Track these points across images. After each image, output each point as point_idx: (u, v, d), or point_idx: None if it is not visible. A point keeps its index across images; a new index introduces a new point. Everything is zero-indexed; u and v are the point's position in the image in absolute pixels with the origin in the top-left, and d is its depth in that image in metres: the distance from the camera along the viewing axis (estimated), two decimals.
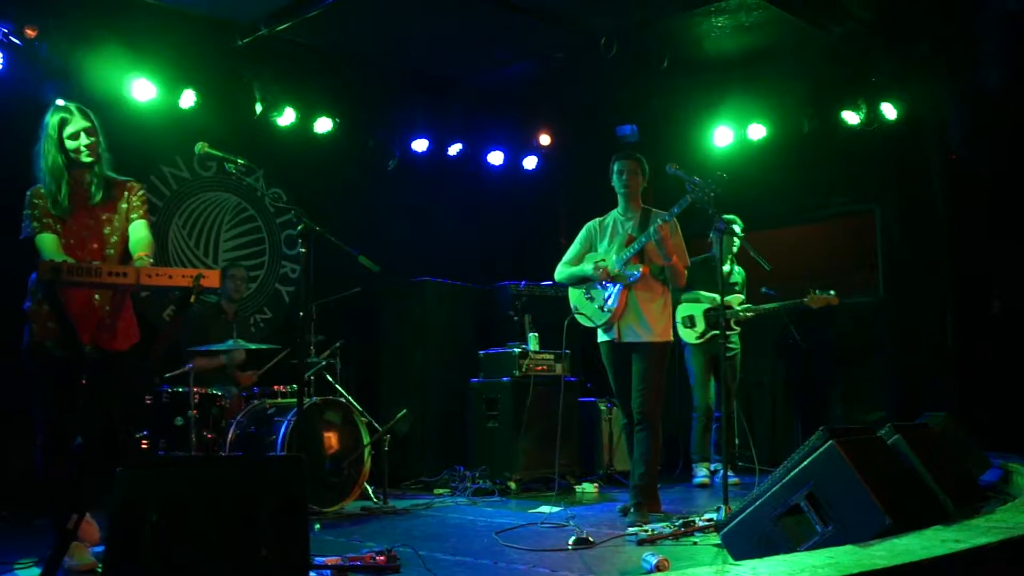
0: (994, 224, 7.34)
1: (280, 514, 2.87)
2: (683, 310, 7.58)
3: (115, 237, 4.42)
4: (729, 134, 8.77)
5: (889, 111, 7.85)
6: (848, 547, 3.05)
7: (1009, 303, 7.28)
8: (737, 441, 7.55)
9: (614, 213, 6.05)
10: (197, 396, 6.25)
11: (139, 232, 4.44)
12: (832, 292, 7.25)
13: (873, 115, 7.93)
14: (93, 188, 4.38)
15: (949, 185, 7.70)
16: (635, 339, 5.75)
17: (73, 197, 4.34)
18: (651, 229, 5.64)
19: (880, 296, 8.21)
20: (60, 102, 4.41)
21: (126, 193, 4.51)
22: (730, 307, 7.44)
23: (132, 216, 4.47)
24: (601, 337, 5.95)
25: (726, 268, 7.52)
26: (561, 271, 6.11)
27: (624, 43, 7.65)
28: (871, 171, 8.22)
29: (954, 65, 7.59)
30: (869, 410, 7.98)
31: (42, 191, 4.35)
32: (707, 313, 7.48)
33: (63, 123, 4.32)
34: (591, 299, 5.95)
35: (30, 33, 6.48)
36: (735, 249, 7.53)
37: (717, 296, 7.26)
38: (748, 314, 7.46)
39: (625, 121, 9.16)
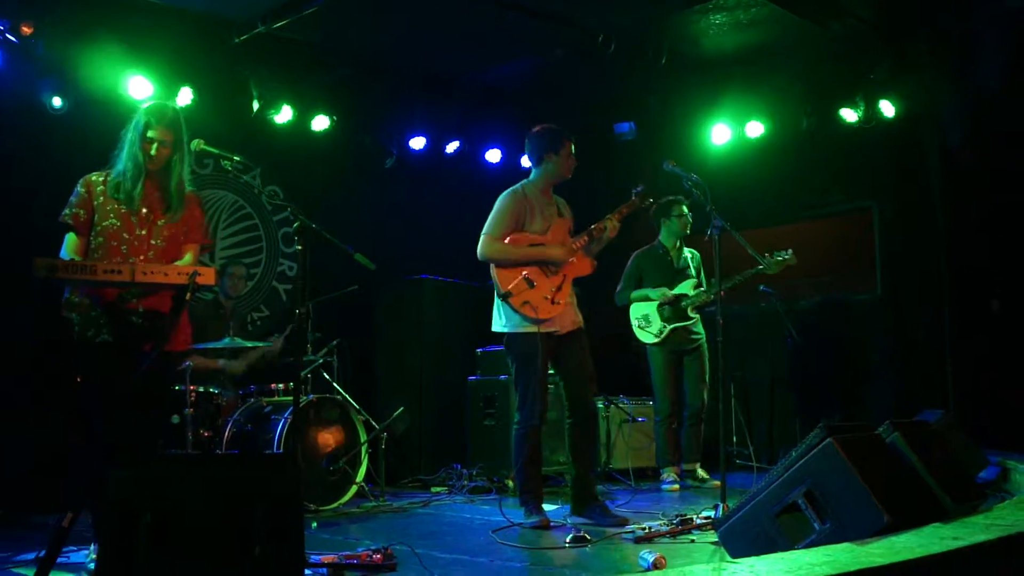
0: (993, 222, 7.33)
1: (275, 512, 2.86)
2: (636, 310, 7.36)
3: (167, 231, 4.44)
4: (727, 132, 8.76)
5: (888, 109, 7.85)
6: (846, 545, 3.04)
7: (1008, 301, 7.27)
8: (735, 439, 7.50)
9: (530, 190, 5.62)
10: (194, 394, 6.25)
11: (185, 260, 4.47)
12: (788, 253, 6.87)
13: (871, 113, 7.92)
14: (174, 202, 4.44)
15: (948, 183, 7.69)
16: (570, 328, 5.53)
17: (145, 194, 4.39)
18: (608, 225, 5.55)
19: (878, 294, 8.21)
20: (156, 105, 4.49)
21: (189, 209, 4.56)
22: (684, 296, 7.24)
23: (192, 236, 4.52)
24: (532, 328, 5.38)
25: (676, 254, 7.43)
26: (500, 248, 5.47)
27: (622, 40, 7.64)
28: (869, 169, 8.22)
29: (953, 62, 7.58)
30: (867, 407, 7.97)
31: (93, 178, 4.40)
32: (660, 309, 7.29)
33: (148, 127, 4.38)
34: (534, 287, 5.44)
35: (26, 30, 6.46)
36: (686, 231, 7.37)
37: (666, 290, 7.23)
38: (705, 299, 7.15)
39: (623, 119, 9.15)
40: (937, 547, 2.92)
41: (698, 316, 7.31)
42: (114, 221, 4.34)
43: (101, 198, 4.36)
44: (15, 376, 6.38)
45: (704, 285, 7.35)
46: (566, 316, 5.53)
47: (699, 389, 7.25)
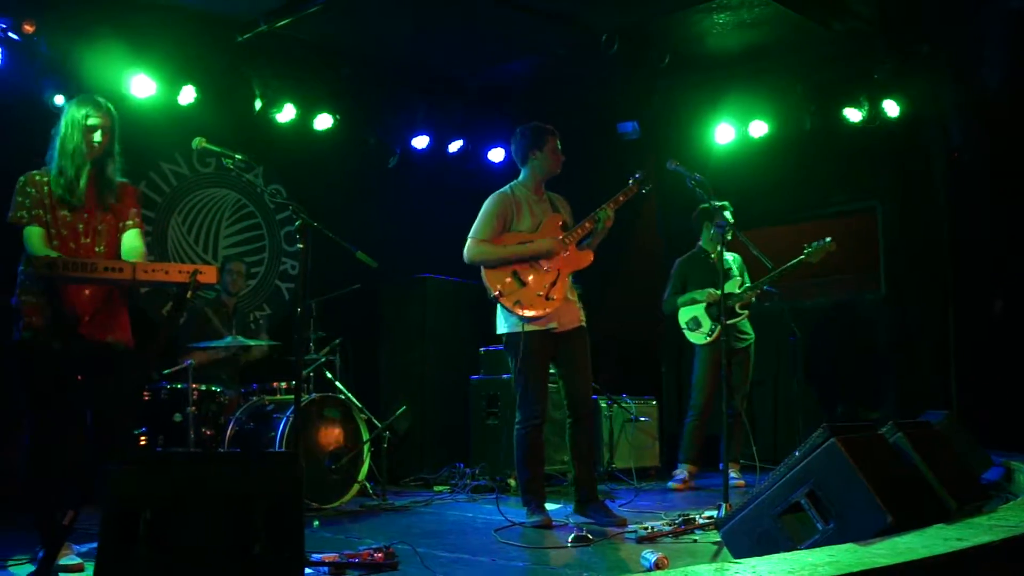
0: (996, 222, 7.31)
1: (275, 511, 2.85)
2: (684, 314, 7.35)
3: (108, 235, 4.40)
4: (731, 131, 8.75)
5: (891, 108, 7.83)
6: (849, 545, 3.03)
7: (1011, 301, 7.25)
8: None
9: (520, 189, 5.62)
10: (196, 393, 6.25)
11: (132, 241, 4.43)
12: (828, 239, 6.93)
13: (875, 113, 7.90)
14: (104, 187, 4.39)
15: (951, 183, 7.67)
16: (571, 326, 5.47)
17: (88, 189, 4.35)
18: (601, 216, 5.45)
19: (882, 294, 8.20)
20: (87, 96, 4.43)
21: (125, 195, 4.50)
22: (730, 294, 7.18)
23: (127, 223, 4.46)
24: (529, 327, 5.34)
25: (714, 256, 7.39)
26: (487, 249, 5.43)
27: (625, 40, 7.62)
28: (873, 169, 8.20)
29: (956, 63, 7.57)
30: (871, 408, 7.95)
31: (38, 178, 4.32)
32: (709, 309, 7.28)
33: (88, 116, 4.34)
34: (525, 285, 5.39)
35: (28, 29, 6.47)
36: (729, 237, 7.32)
37: (712, 290, 7.19)
38: (752, 294, 7.15)
39: (626, 118, 9.13)
40: (941, 548, 2.91)
41: (746, 312, 7.29)
42: (62, 230, 4.28)
43: (48, 200, 4.29)
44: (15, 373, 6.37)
45: (747, 283, 7.32)
46: (566, 313, 5.46)
47: (742, 391, 7.23)
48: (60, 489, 4.11)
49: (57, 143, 4.33)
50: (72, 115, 4.34)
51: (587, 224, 5.55)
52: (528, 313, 5.35)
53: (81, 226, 4.33)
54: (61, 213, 4.30)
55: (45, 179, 4.34)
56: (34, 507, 4.19)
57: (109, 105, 4.45)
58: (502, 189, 5.63)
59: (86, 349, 4.23)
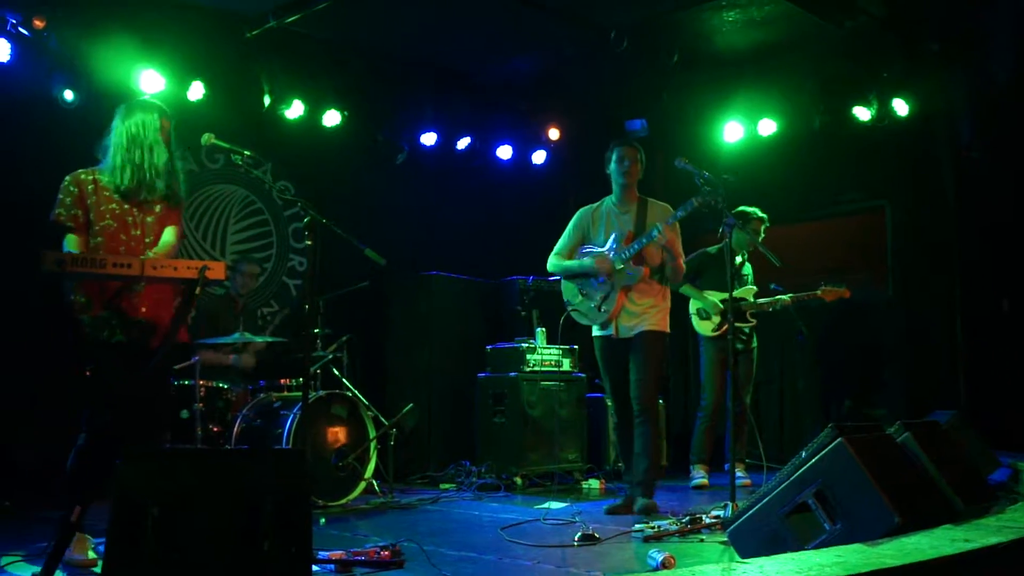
0: (1005, 221, 7.29)
1: (283, 507, 2.85)
2: (696, 302, 7.36)
3: (157, 226, 4.46)
4: (739, 130, 8.72)
5: (901, 107, 7.80)
6: (856, 545, 3.03)
7: (1019, 301, 7.23)
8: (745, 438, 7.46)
9: (608, 202, 5.91)
10: (203, 389, 6.25)
11: (166, 236, 4.49)
12: (843, 285, 7.05)
13: (884, 111, 7.87)
14: (183, 191, 4.54)
15: (960, 182, 7.65)
16: (633, 332, 5.70)
17: (137, 187, 4.41)
18: (654, 232, 5.54)
19: (890, 294, 8.17)
20: (149, 99, 4.57)
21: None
22: (744, 299, 7.22)
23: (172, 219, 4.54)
24: (596, 332, 5.86)
25: (738, 260, 7.37)
26: (555, 263, 5.96)
27: (634, 37, 7.61)
28: (882, 168, 8.17)
29: (966, 61, 7.54)
30: (878, 408, 7.93)
31: (83, 176, 4.38)
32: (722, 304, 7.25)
33: (165, 115, 4.51)
34: (586, 295, 5.83)
35: (38, 24, 6.48)
36: (750, 247, 7.32)
37: (719, 302, 7.18)
38: (765, 307, 7.22)
39: (635, 116, 9.12)
40: (948, 549, 2.90)
41: (755, 321, 7.33)
42: (111, 222, 4.34)
43: (94, 197, 4.34)
44: (22, 371, 6.39)
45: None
46: (625, 321, 5.72)
47: (746, 389, 7.24)
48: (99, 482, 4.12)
49: (124, 140, 4.40)
50: (146, 115, 4.45)
51: (643, 240, 5.65)
52: (584, 322, 5.91)
53: (130, 219, 4.37)
54: (112, 205, 4.35)
55: (91, 177, 4.39)
56: (74, 504, 4.19)
57: (164, 109, 4.58)
58: (594, 204, 5.97)
59: (148, 322, 4.29)
